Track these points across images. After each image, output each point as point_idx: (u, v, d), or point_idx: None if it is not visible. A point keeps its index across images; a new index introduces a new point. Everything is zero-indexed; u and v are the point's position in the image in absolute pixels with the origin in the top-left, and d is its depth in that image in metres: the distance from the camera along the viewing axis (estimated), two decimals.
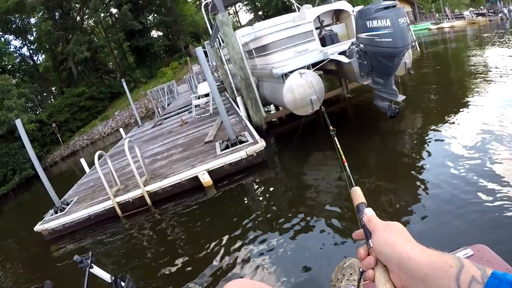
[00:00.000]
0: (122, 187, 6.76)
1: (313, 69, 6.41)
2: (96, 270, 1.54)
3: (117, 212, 6.16)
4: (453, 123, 5.73)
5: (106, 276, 1.58)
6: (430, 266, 0.52)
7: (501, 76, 7.80)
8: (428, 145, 5.21)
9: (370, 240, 0.65)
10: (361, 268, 0.68)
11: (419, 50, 7.58)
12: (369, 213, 0.71)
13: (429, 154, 4.95)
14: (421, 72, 11.05)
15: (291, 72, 6.18)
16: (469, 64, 10.86)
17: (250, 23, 35.48)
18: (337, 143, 1.28)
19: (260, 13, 37.84)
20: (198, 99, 11.86)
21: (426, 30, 33.35)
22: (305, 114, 6.37)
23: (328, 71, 7.33)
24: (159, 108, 18.96)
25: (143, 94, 30.16)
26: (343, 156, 1.20)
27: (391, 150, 5.61)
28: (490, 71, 8.80)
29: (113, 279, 1.32)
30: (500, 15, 35.66)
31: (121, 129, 15.83)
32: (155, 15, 44.19)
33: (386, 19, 5.01)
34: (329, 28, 7.65)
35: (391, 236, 0.60)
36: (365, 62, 5.80)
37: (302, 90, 6.08)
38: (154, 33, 45.63)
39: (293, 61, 6.38)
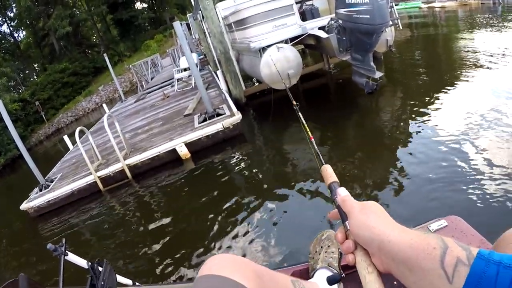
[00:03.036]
0: (104, 161, 6.79)
1: (292, 43, 6.37)
2: (72, 257, 1.55)
3: (99, 186, 6.23)
4: (435, 104, 5.76)
5: (82, 263, 1.58)
6: (411, 248, 0.49)
7: (489, 62, 7.84)
8: (407, 124, 5.26)
9: (346, 222, 0.61)
10: (339, 249, 0.66)
11: (401, 27, 7.56)
12: (342, 193, 0.67)
13: (407, 132, 5.02)
14: (408, 53, 11.08)
15: (268, 46, 6.14)
16: (457, 47, 10.86)
17: None
18: (302, 119, 1.26)
19: None
20: (180, 72, 11.73)
21: (417, 8, 33.11)
22: (281, 88, 6.39)
23: (309, 45, 7.30)
24: (142, 82, 18.68)
25: (127, 68, 29.66)
26: (309, 133, 1.17)
27: (369, 127, 5.67)
28: (477, 56, 8.81)
29: (90, 265, 1.34)
30: None
31: (104, 105, 15.58)
32: None
33: None
34: (310, 3, 7.58)
35: (368, 218, 0.57)
36: (344, 38, 5.78)
37: (279, 64, 6.07)
38: (139, 5, 44.11)
39: (271, 35, 6.33)
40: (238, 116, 6.24)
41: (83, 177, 6.39)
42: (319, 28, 6.40)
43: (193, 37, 15.73)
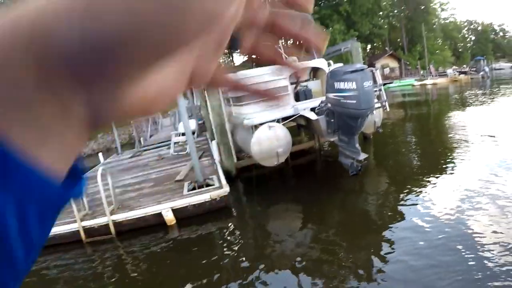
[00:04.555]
0: (90, 212, 6.78)
1: (283, 122, 6.67)
2: None
3: (81, 236, 6.17)
4: (423, 186, 6.00)
5: None
6: None
7: (479, 138, 8.25)
8: (392, 208, 5.41)
9: None
10: None
11: (388, 109, 7.96)
12: None
13: (391, 217, 5.13)
14: (400, 131, 11.54)
15: (261, 124, 6.42)
16: (448, 124, 11.44)
17: (244, 64, 36.54)
18: None
19: (254, 56, 38.96)
20: (178, 136, 12.01)
21: (410, 86, 34.81)
22: (270, 165, 6.57)
23: (300, 125, 7.61)
24: (141, 139, 18.99)
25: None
26: None
27: (352, 211, 5.76)
28: (467, 133, 9.31)
29: None
30: (481, 73, 37.70)
31: (100, 154, 15.78)
32: None
33: (352, 81, 5.37)
34: (305, 84, 8.04)
35: None
36: (332, 120, 6.11)
37: (269, 142, 6.32)
38: None
39: (265, 114, 6.65)
40: (225, 189, 6.34)
41: (67, 223, 6.32)
42: (311, 109, 6.76)
43: (195, 103, 16.31)
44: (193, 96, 16.07)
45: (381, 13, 41.68)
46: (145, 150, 15.19)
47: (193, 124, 12.48)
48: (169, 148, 12.94)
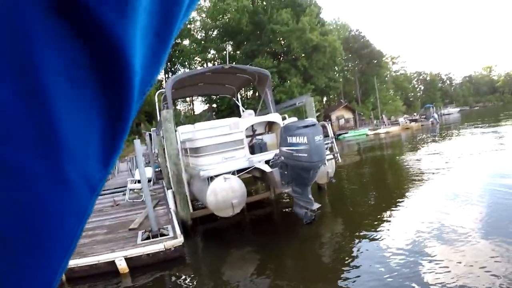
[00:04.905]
0: None
1: (238, 174, 6.90)
2: None
3: None
4: (377, 228, 6.34)
5: None
6: None
7: (430, 178, 8.92)
8: (347, 253, 5.63)
9: None
10: None
11: (340, 160, 8.45)
12: None
13: (346, 263, 5.30)
14: (354, 178, 12.11)
15: (216, 176, 6.62)
16: (401, 168, 12.18)
17: (204, 113, 37.10)
18: None
19: (214, 105, 39.75)
20: (133, 183, 11.86)
21: (364, 135, 36.64)
22: (226, 216, 6.70)
23: (256, 176, 7.88)
24: None
25: None
26: None
27: (309, 254, 5.94)
28: (418, 173, 10.00)
29: None
30: (431, 119, 40.70)
31: None
32: None
33: (304, 136, 5.71)
34: (260, 137, 8.42)
35: None
36: (286, 172, 6.40)
37: (224, 193, 6.49)
38: None
39: (220, 165, 6.86)
40: (180, 240, 6.35)
41: None
42: (266, 162, 7.06)
43: (153, 151, 16.30)
44: (151, 143, 16.08)
45: (336, 67, 44.34)
46: (100, 195, 14.74)
47: (150, 171, 12.40)
48: (124, 194, 12.69)
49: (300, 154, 5.79)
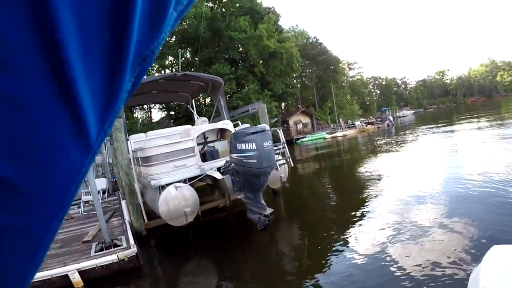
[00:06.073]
0: None
1: (190, 182, 6.94)
2: None
3: None
4: (335, 229, 6.55)
5: None
6: None
7: (388, 177, 9.29)
8: (305, 253, 5.82)
9: None
10: None
11: (292, 165, 8.69)
12: None
13: (303, 261, 5.50)
14: (313, 182, 12.41)
15: (167, 184, 6.61)
16: (355, 169, 12.62)
17: (162, 121, 36.52)
18: None
19: (172, 112, 39.19)
20: (87, 195, 11.51)
21: (322, 139, 37.59)
22: (179, 225, 6.70)
23: (209, 184, 7.93)
24: None
25: None
26: None
27: (265, 259, 6.04)
28: (372, 176, 10.41)
29: None
30: (386, 122, 42.50)
31: None
32: None
33: (252, 143, 5.82)
34: (212, 145, 8.49)
35: None
36: (237, 179, 6.50)
37: (176, 202, 6.50)
38: None
39: (172, 174, 6.87)
40: (133, 250, 6.27)
41: None
42: (218, 169, 7.14)
43: (107, 160, 15.87)
44: (106, 152, 15.64)
45: (293, 74, 45.18)
46: None
47: (104, 182, 12.12)
48: (79, 207, 12.29)
49: (249, 160, 5.90)
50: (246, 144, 5.91)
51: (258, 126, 7.77)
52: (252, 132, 6.00)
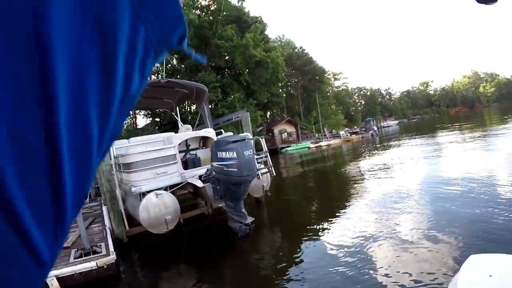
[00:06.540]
0: None
1: (171, 190, 6.96)
2: None
3: None
4: (317, 234, 6.62)
5: None
6: None
7: (366, 188, 9.49)
8: (287, 259, 5.83)
9: None
10: None
11: (274, 174, 8.78)
12: None
13: (286, 267, 5.51)
14: (296, 190, 12.49)
15: (148, 191, 6.63)
16: (341, 177, 12.78)
17: (147, 127, 36.25)
18: None
19: (157, 119, 38.90)
20: None
21: (306, 148, 37.86)
22: (160, 232, 6.70)
23: (190, 192, 7.96)
24: None
25: None
26: None
27: (247, 266, 6.07)
28: (356, 184, 10.56)
29: None
30: (371, 132, 43.12)
31: None
32: None
33: (233, 151, 5.89)
34: (194, 152, 8.54)
35: None
36: (218, 187, 6.55)
37: (157, 209, 6.52)
38: None
39: (152, 181, 6.88)
40: (112, 257, 6.24)
41: None
42: (199, 177, 7.18)
43: None
44: None
45: (279, 83, 45.47)
46: None
47: None
48: None
49: (230, 169, 5.96)
50: (227, 152, 5.96)
51: (240, 134, 7.86)
52: (233, 140, 6.06)
